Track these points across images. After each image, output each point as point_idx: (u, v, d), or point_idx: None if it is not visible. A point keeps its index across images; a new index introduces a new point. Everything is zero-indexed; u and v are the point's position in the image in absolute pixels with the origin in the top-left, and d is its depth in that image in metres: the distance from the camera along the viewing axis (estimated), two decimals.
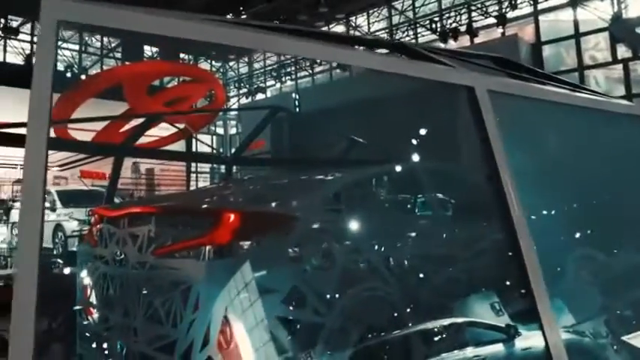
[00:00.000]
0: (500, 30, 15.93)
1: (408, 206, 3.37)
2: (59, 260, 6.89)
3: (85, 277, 3.43)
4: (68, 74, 18.27)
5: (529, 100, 2.47)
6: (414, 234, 3.25)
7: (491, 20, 16.36)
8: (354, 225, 2.97)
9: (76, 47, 20.27)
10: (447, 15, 17.29)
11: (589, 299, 2.93)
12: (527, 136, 2.49)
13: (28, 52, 18.32)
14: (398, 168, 3.39)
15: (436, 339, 2.67)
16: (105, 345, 3.08)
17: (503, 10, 16.08)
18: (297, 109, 13.50)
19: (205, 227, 2.65)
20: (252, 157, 5.75)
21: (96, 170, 11.25)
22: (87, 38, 20.37)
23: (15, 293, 1.10)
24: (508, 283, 2.52)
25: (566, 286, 2.74)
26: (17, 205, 13.70)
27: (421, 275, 2.99)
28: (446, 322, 2.73)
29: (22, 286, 1.12)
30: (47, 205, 10.45)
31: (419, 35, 18.44)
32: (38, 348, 1.07)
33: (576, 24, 15.55)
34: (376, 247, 2.84)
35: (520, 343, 2.83)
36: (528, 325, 2.36)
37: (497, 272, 2.79)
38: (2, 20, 17.42)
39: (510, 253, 2.07)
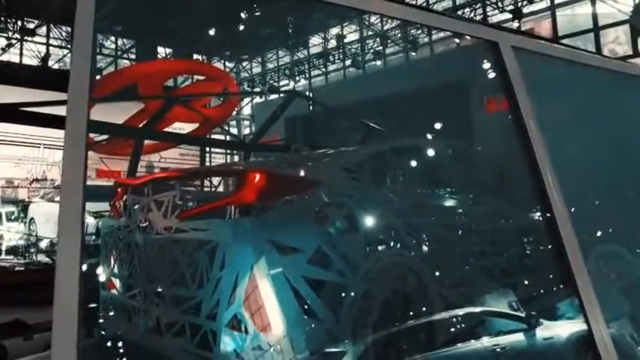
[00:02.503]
0: (516, 24, 15.78)
1: (433, 179, 3.31)
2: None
3: (111, 249, 3.43)
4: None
5: (553, 59, 2.44)
6: (437, 207, 3.19)
7: (508, 15, 16.21)
8: (378, 192, 2.93)
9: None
10: (462, 11, 17.19)
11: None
12: (554, 95, 2.46)
13: (43, 54, 18.62)
14: (421, 140, 3.34)
15: (452, 328, 2.64)
16: (133, 311, 3.08)
17: (519, 5, 15.93)
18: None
19: (231, 188, 2.64)
20: (270, 142, 5.73)
21: (111, 170, 11.39)
22: (101, 40, 20.62)
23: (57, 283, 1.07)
24: (544, 266, 2.44)
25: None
26: (35, 199, 13.89)
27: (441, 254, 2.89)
28: (463, 311, 2.69)
29: (63, 277, 1.09)
30: None
31: (432, 32, 18.34)
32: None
33: (595, 17, 15.33)
34: (399, 217, 2.80)
35: (542, 333, 2.77)
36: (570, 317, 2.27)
37: (530, 253, 2.73)
38: (19, 22, 17.70)
39: (545, 230, 2.00)
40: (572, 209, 2.20)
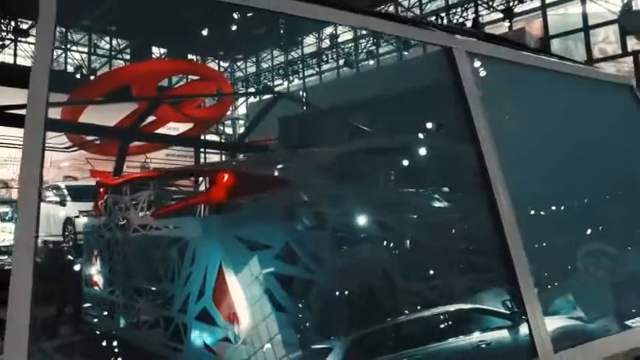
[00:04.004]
0: (507, 24, 15.91)
1: (388, 178, 3.36)
2: (67, 249, 7.06)
3: (92, 247, 3.54)
4: (77, 75, 18.56)
5: (508, 64, 2.53)
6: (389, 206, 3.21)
7: (499, 15, 16.33)
8: (345, 191, 3.03)
9: (85, 49, 20.59)
10: (454, 10, 17.30)
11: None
12: (507, 100, 2.55)
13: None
14: (382, 140, 3.42)
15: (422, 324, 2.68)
16: (112, 307, 3.19)
17: (511, 4, 16.04)
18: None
19: (202, 187, 2.74)
20: (253, 142, 5.83)
21: (103, 170, 11.44)
22: (96, 40, 20.68)
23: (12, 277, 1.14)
24: (486, 261, 2.52)
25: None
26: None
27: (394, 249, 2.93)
28: (449, 308, 2.73)
29: (19, 269, 1.16)
30: (57, 199, 10.69)
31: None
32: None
33: (585, 17, 15.45)
34: (361, 214, 2.89)
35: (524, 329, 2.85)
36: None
37: (476, 251, 2.78)
38: (12, 23, 17.74)
39: (491, 229, 2.09)
40: (524, 209, 2.30)
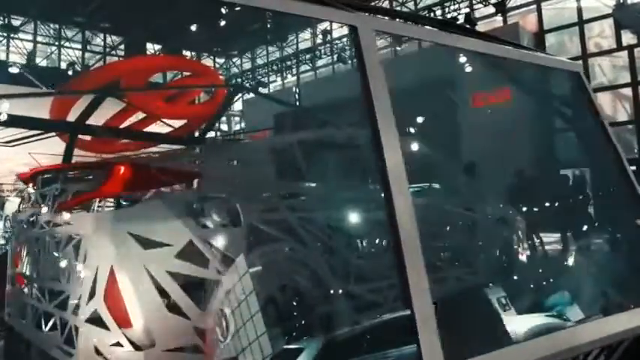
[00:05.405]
0: (499, 18, 15.64)
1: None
2: None
3: (12, 244, 3.40)
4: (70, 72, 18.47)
5: (409, 40, 2.36)
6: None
7: (493, 9, 16.05)
8: (267, 185, 2.86)
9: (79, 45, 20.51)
10: (448, 5, 17.03)
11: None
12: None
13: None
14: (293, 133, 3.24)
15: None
16: (23, 307, 3.05)
17: None
18: None
19: (98, 180, 2.58)
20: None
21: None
22: (89, 36, 20.58)
23: None
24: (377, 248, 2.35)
25: None
26: (10, 199, 13.89)
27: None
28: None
29: None
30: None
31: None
32: None
33: (580, 11, 15.21)
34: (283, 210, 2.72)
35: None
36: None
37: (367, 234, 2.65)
38: (5, 19, 17.69)
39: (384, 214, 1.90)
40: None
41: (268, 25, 18.72)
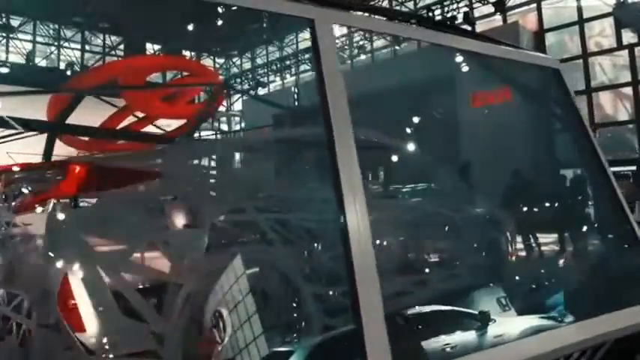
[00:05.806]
0: (499, 17, 15.52)
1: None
2: None
3: None
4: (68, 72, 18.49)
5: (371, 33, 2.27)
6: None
7: (492, 8, 15.93)
8: (235, 185, 2.78)
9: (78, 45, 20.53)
10: (448, 4, 16.92)
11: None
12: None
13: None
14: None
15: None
16: None
17: None
18: None
19: (55, 181, 2.51)
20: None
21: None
22: (88, 36, 20.60)
23: None
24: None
25: None
26: None
27: None
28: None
29: None
30: None
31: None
32: None
33: (580, 10, 15.09)
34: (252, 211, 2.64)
35: (493, 330, 2.64)
36: None
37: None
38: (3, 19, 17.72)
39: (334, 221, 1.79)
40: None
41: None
